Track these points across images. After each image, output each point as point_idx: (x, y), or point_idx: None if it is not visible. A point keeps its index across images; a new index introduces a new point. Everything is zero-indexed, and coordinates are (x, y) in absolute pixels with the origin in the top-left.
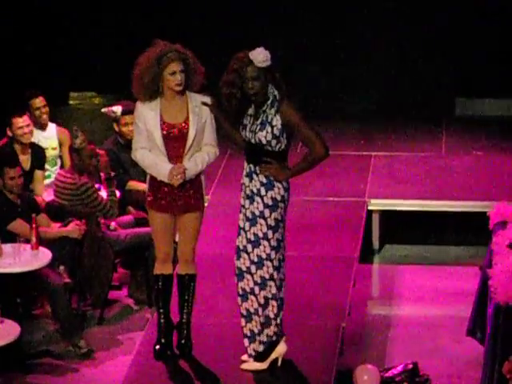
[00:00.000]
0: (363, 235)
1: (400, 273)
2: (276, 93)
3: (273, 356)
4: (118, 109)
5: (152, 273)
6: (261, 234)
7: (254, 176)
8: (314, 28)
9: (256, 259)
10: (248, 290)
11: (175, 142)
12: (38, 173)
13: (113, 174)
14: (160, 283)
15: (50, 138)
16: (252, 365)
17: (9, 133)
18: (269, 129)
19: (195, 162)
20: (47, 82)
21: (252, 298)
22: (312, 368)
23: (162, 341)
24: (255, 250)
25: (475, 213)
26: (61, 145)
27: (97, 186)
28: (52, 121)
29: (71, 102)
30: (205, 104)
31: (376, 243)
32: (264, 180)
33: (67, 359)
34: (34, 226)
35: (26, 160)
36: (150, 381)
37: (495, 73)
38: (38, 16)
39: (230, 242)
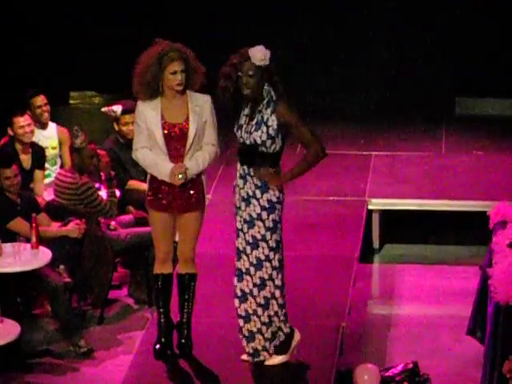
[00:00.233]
0: (363, 235)
1: (400, 272)
2: (272, 93)
3: (293, 344)
4: (118, 108)
5: (152, 272)
6: (259, 236)
7: (249, 178)
8: (314, 28)
9: (255, 261)
10: (247, 291)
11: (176, 141)
12: (37, 172)
13: (113, 173)
14: (160, 283)
15: (50, 137)
16: (275, 359)
17: (10, 132)
18: (264, 129)
19: (196, 161)
20: (47, 82)
21: (251, 299)
22: (312, 367)
23: (162, 340)
24: (254, 252)
25: (475, 212)
26: (61, 144)
27: (97, 185)
28: (52, 120)
29: (71, 102)
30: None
31: (376, 243)
32: (258, 183)
33: (67, 359)
34: (34, 225)
35: (26, 159)
36: (150, 380)
37: (495, 72)
38: (38, 15)
39: (231, 241)
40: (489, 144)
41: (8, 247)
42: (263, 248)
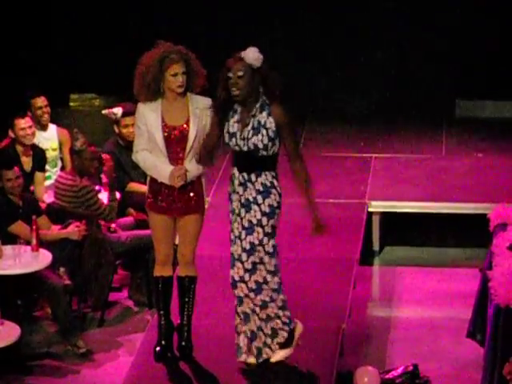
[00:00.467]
0: (363, 237)
1: (400, 275)
2: (264, 97)
3: (296, 337)
4: (118, 110)
5: (152, 275)
6: (256, 242)
7: (249, 184)
8: (314, 28)
9: (250, 267)
10: (242, 295)
11: (176, 143)
12: (38, 175)
13: (114, 175)
14: (160, 285)
15: (50, 138)
16: (279, 354)
17: (11, 134)
18: (264, 132)
19: (196, 163)
20: (47, 84)
21: (247, 301)
22: (312, 369)
23: (163, 342)
24: (250, 258)
25: (475, 215)
26: (61, 145)
27: (97, 187)
28: (52, 122)
29: (71, 104)
30: None
31: (376, 245)
32: (261, 188)
33: (67, 361)
34: (34, 227)
35: (27, 161)
36: (151, 382)
37: (495, 74)
38: (38, 17)
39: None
40: (489, 146)
41: (8, 249)
42: (259, 252)
